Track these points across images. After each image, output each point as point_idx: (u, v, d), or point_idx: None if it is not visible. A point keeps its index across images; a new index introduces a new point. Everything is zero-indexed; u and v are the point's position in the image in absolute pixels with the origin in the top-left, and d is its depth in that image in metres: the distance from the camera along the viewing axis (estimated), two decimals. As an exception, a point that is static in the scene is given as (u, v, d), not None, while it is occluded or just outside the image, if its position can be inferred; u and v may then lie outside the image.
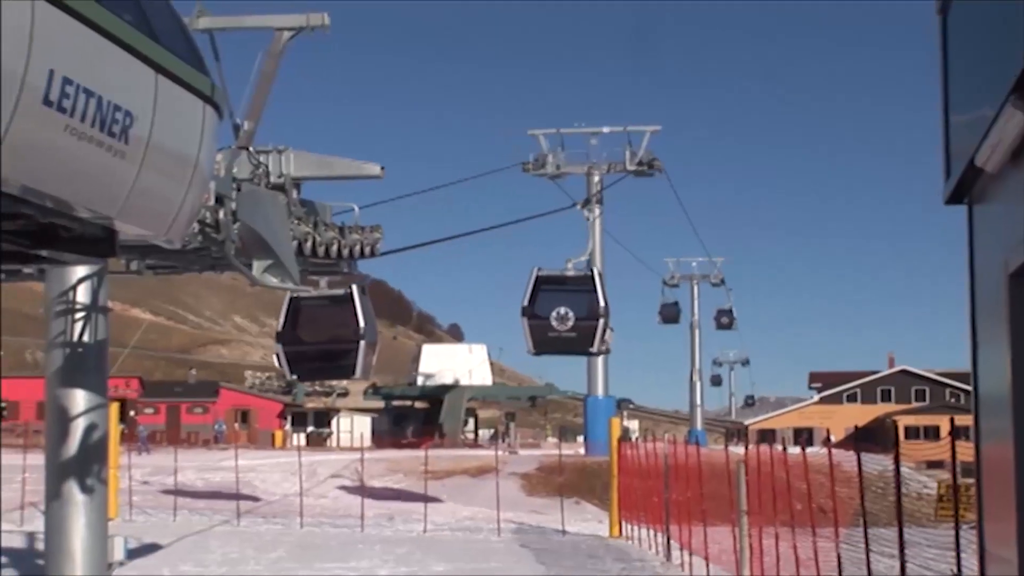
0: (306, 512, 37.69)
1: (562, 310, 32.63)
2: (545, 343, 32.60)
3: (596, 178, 67.16)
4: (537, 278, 33.09)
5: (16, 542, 29.55)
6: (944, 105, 10.09)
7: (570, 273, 33.99)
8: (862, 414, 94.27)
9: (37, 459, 28.77)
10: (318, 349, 26.66)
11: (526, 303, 32.82)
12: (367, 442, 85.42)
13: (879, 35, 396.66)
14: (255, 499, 42.46)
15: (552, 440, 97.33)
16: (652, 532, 31.81)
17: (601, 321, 32.57)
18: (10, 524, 32.73)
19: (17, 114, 9.31)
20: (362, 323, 25.27)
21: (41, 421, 25.60)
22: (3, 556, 28.02)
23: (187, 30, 12.43)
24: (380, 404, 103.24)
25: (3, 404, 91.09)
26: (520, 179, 74.05)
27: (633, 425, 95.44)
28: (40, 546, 19.67)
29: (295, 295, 25.32)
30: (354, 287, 25.61)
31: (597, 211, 66.13)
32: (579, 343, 33.38)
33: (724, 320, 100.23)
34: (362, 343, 25.19)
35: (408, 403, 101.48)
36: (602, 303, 32.81)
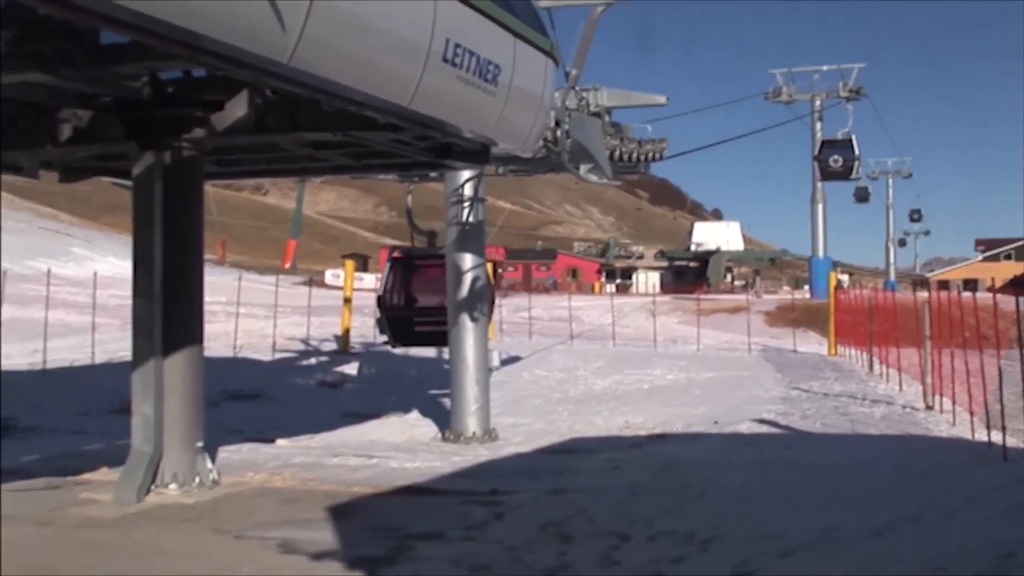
0: (616, 336, 37.92)
1: None
2: None
3: (817, 103, 65.82)
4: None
5: (431, 353, 30.50)
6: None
7: None
8: (1017, 269, 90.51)
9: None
10: (423, 313, 19.42)
11: None
12: (657, 289, 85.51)
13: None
14: (581, 327, 42.86)
15: (786, 288, 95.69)
16: (859, 352, 31.17)
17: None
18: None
19: (426, 69, 9.61)
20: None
21: (443, 276, 26.13)
22: (419, 362, 29.03)
23: (534, 7, 12.54)
24: (665, 264, 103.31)
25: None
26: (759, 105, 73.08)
27: (844, 277, 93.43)
28: (446, 355, 20.29)
29: (395, 257, 20.03)
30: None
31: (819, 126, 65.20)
32: None
33: (915, 216, 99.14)
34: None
35: (685, 263, 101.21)
36: None
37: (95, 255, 59.35)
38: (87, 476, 12.82)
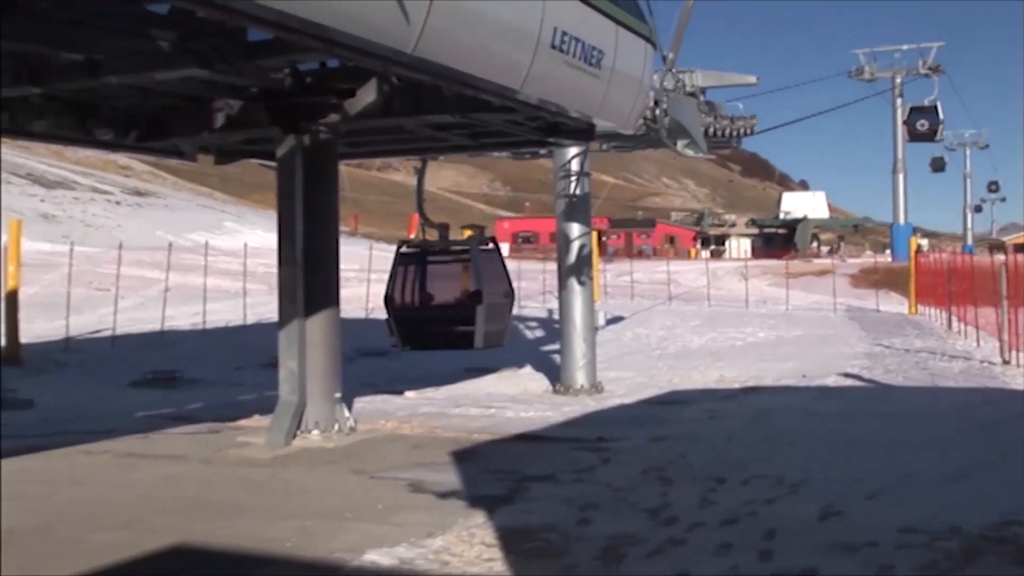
0: (711, 298, 37.56)
1: None
2: None
3: (898, 80, 64.16)
4: None
5: (542, 313, 30.61)
6: None
7: None
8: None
9: (550, 266, 29.66)
10: (433, 314, 15.63)
11: None
12: (748, 255, 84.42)
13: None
14: (679, 289, 42.53)
15: (869, 253, 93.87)
16: (938, 311, 30.39)
17: None
18: (537, 303, 33.88)
19: (536, 55, 9.57)
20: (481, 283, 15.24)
21: (552, 243, 26.16)
22: (532, 321, 29.14)
23: (634, -3, 12.38)
24: (756, 231, 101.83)
25: (529, 234, 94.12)
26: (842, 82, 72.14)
27: (924, 242, 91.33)
28: (556, 315, 20.34)
29: (403, 251, 16.04)
30: (476, 242, 15.85)
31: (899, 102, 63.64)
32: None
33: (992, 187, 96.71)
34: (479, 308, 14.91)
35: (774, 230, 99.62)
36: None
37: (245, 228, 60.55)
38: (242, 422, 13.14)
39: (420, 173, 17.83)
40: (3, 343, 20.03)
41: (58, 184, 69.13)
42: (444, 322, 15.43)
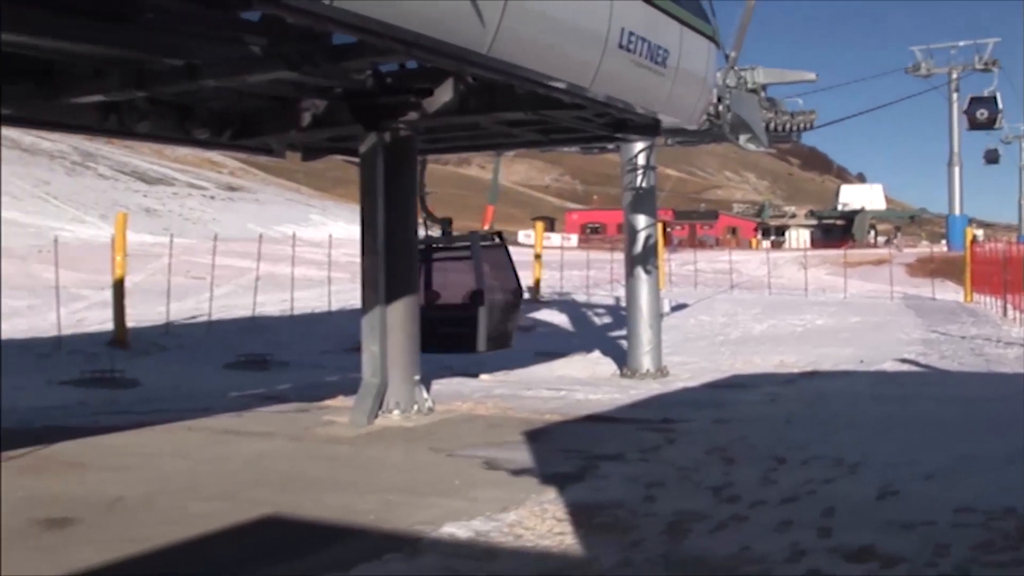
0: (771, 286, 37.14)
1: None
2: None
3: (955, 75, 62.80)
4: None
5: (609, 301, 30.51)
6: None
7: None
8: None
9: (617, 256, 29.58)
10: (433, 315, 13.83)
11: None
12: (807, 245, 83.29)
13: None
14: (740, 278, 42.08)
15: (925, 243, 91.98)
16: (993, 299, 29.72)
17: None
18: (605, 291, 33.78)
19: (605, 55, 9.54)
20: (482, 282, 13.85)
21: (619, 234, 26.06)
22: (600, 308, 29.06)
23: (698, -1, 12.27)
24: (815, 222, 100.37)
25: (598, 226, 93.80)
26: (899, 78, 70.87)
27: (979, 232, 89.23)
28: (623, 302, 20.27)
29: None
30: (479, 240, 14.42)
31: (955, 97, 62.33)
32: None
33: None
34: (482, 309, 13.63)
35: (832, 221, 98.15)
36: None
37: (329, 220, 61.16)
38: (327, 402, 13.29)
39: (421, 166, 14.79)
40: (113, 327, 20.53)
41: (159, 180, 70.48)
42: (444, 323, 13.91)
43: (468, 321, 13.70)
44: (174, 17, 8.31)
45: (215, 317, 24.12)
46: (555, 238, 69.19)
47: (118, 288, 21.10)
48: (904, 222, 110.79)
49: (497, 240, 14.95)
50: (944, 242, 72.22)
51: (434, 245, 14.68)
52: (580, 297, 33.13)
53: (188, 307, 25.83)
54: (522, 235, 71.67)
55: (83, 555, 6.32)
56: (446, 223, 15.10)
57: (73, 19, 7.96)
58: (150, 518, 7.33)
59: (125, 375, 16.33)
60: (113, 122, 11.06)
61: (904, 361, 17.80)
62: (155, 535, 6.78)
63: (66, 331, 20.91)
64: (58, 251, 24.93)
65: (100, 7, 7.92)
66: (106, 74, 9.58)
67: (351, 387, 12.64)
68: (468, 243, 14.38)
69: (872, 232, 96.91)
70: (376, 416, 11.80)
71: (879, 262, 47.92)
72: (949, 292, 36.87)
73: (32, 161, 66.89)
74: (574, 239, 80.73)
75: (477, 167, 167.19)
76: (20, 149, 68.41)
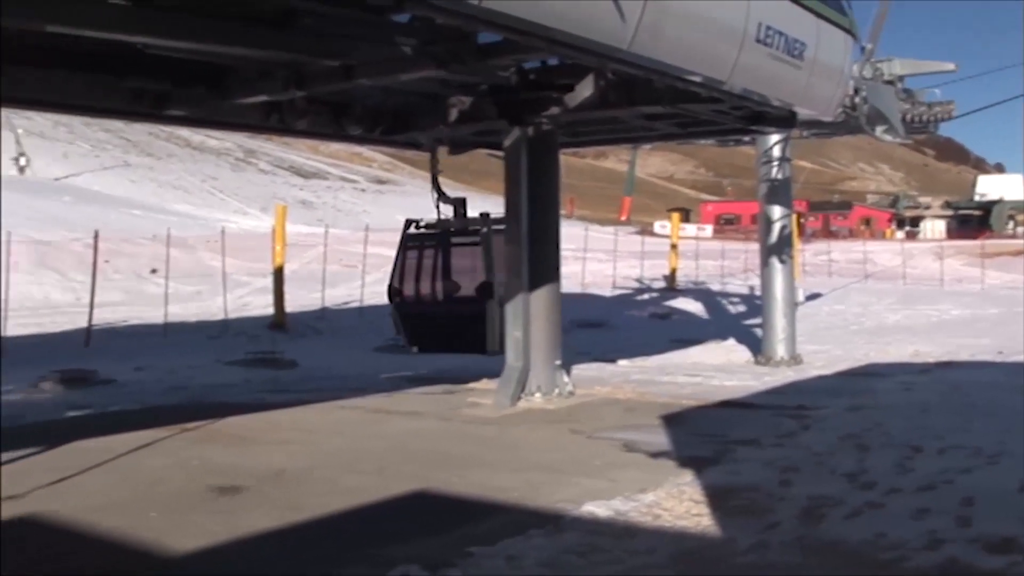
0: (906, 276, 35.94)
1: None
2: None
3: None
4: None
5: (743, 290, 30.03)
6: None
7: None
8: None
9: (750, 246, 29.04)
10: (442, 309, 12.44)
11: None
12: (942, 236, 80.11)
13: None
14: (875, 268, 40.80)
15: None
16: None
17: None
18: (739, 280, 33.26)
19: (742, 49, 9.38)
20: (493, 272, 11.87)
21: (753, 225, 25.58)
22: (735, 297, 28.60)
23: (835, -8, 11.92)
24: (950, 213, 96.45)
25: (732, 217, 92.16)
26: None
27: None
28: (757, 291, 19.91)
29: (411, 232, 12.81)
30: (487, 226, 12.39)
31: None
32: None
33: None
34: (492, 303, 11.78)
35: (969, 212, 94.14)
36: None
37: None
38: (472, 385, 13.45)
39: (432, 161, 13.73)
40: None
41: (314, 175, 72.46)
42: (454, 319, 12.23)
43: (475, 318, 11.74)
44: (331, 21, 8.53)
45: (366, 303, 24.68)
46: (690, 228, 68.33)
47: (278, 275, 21.83)
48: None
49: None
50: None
51: (430, 231, 12.68)
52: (714, 286, 32.70)
53: (341, 293, 26.53)
54: (657, 226, 71.20)
55: (252, 520, 6.58)
56: (461, 203, 13.11)
57: (239, 26, 8.26)
58: (310, 489, 7.57)
59: (284, 356, 16.87)
60: (275, 120, 11.44)
61: (1046, 352, 16.98)
62: (314, 504, 7.00)
63: (232, 315, 21.74)
64: (225, 241, 25.93)
65: (263, 14, 8.21)
66: (270, 76, 9.92)
67: (494, 371, 12.77)
68: (479, 227, 12.28)
69: (1011, 223, 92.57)
70: (519, 398, 11.90)
71: (1018, 253, 45.86)
72: (1092, 283, 35.01)
73: (201, 158, 69.71)
74: (709, 229, 79.59)
75: (614, 159, 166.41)
76: (190, 147, 71.41)
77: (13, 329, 18.52)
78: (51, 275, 27.21)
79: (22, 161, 51.41)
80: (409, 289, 12.61)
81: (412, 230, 12.76)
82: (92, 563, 5.86)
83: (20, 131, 54.08)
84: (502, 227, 12.18)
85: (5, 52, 8.80)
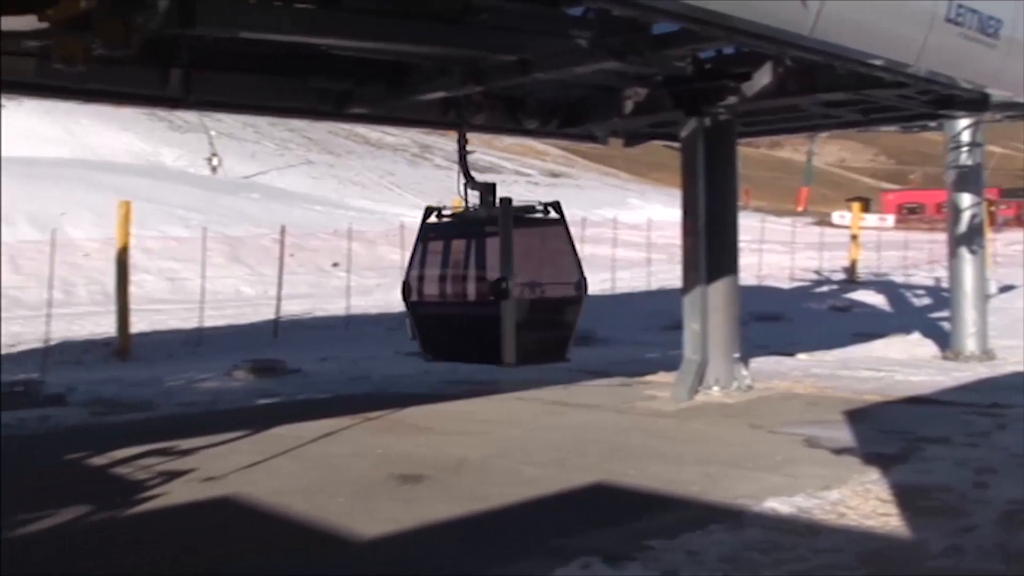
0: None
1: None
2: None
3: None
4: None
5: (928, 282, 28.71)
6: None
7: None
8: None
9: (936, 236, 27.74)
10: (459, 311, 10.41)
11: None
12: None
13: None
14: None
15: None
16: None
17: None
18: (924, 271, 31.86)
19: (931, 30, 8.99)
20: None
21: (939, 214, 24.42)
22: (920, 289, 27.41)
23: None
24: None
25: (915, 206, 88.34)
26: None
27: None
28: (943, 283, 18.95)
29: (430, 223, 10.77)
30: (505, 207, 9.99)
31: None
32: None
33: None
34: (506, 305, 9.47)
35: None
36: None
37: (647, 204, 61.30)
38: (649, 378, 13.39)
39: (461, 141, 11.26)
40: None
41: (488, 169, 73.46)
42: (468, 323, 10.34)
43: (487, 322, 9.71)
44: (507, 16, 8.64)
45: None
46: (871, 219, 65.87)
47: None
48: None
49: (553, 213, 10.36)
50: None
51: (466, 223, 10.79)
52: (897, 278, 31.43)
53: (516, 286, 26.76)
54: (836, 216, 68.95)
55: (436, 508, 6.75)
56: (490, 189, 10.77)
57: (420, 24, 8.47)
58: (489, 479, 7.70)
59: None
60: (452, 115, 11.67)
61: None
62: (495, 495, 7.12)
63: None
64: (403, 235, 26.60)
65: (442, 12, 8.39)
66: (448, 72, 10.12)
67: (671, 364, 12.66)
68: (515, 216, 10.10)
69: None
70: (696, 392, 11.77)
71: None
72: None
73: (378, 154, 71.81)
74: (890, 219, 76.47)
75: (790, 149, 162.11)
76: (368, 144, 73.67)
77: (208, 320, 19.51)
78: (241, 269, 28.57)
79: (215, 161, 54.13)
80: (424, 287, 10.77)
81: (432, 219, 10.84)
82: (288, 543, 6.14)
83: (213, 133, 56.98)
84: (528, 216, 10.37)
85: (200, 59, 9.33)
